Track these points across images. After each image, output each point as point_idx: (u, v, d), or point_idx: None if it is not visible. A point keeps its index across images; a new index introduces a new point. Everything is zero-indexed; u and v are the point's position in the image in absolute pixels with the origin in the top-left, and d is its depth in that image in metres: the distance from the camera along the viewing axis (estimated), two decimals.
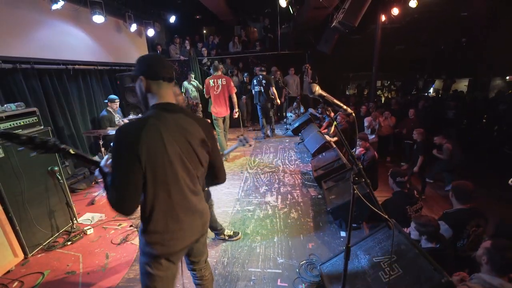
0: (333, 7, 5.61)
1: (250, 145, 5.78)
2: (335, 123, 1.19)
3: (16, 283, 2.34)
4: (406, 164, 6.34)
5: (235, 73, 7.89)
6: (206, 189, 2.15)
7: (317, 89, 1.14)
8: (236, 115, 5.03)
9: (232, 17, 9.13)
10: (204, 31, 10.64)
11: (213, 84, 4.69)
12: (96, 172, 1.27)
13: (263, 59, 8.38)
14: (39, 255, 2.67)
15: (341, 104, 1.18)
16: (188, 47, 8.43)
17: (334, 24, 5.56)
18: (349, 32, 5.51)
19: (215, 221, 2.72)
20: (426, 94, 11.48)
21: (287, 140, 6.22)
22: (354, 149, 3.61)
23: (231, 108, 4.93)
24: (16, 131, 1.52)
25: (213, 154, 1.38)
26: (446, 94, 9.32)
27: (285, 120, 7.47)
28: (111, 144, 4.17)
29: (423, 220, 2.13)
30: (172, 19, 7.67)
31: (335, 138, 5.10)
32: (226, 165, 4.85)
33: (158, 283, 1.28)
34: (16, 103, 2.67)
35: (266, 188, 3.88)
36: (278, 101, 6.09)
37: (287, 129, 7.01)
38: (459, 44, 10.67)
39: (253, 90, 6.14)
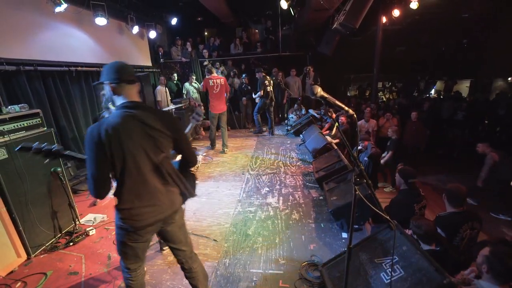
0: (334, 9, 5.63)
1: (204, 119, 6.28)
2: (337, 124, 1.20)
3: (19, 284, 2.35)
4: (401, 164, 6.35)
5: (236, 75, 7.91)
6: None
7: (319, 91, 1.15)
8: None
9: (233, 19, 9.16)
10: (206, 33, 10.69)
11: (212, 84, 5.25)
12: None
13: (264, 60, 8.41)
14: (42, 256, 2.68)
15: (343, 105, 1.19)
16: (189, 49, 8.47)
17: (335, 26, 5.58)
18: (350, 33, 5.53)
19: None
20: (427, 95, 11.46)
21: (288, 141, 6.23)
22: (355, 150, 3.62)
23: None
24: (27, 142, 1.80)
25: (179, 142, 1.62)
26: (448, 96, 9.30)
27: (286, 121, 7.48)
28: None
29: (418, 221, 2.14)
30: (174, 21, 7.72)
31: (337, 140, 5.12)
32: (227, 166, 4.87)
33: (128, 249, 1.59)
34: (20, 105, 2.69)
35: (268, 189, 3.89)
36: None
37: (288, 130, 7.02)
38: (460, 45, 10.66)
39: (261, 91, 6.39)
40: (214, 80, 5.24)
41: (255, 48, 8.67)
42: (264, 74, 6.43)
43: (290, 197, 3.62)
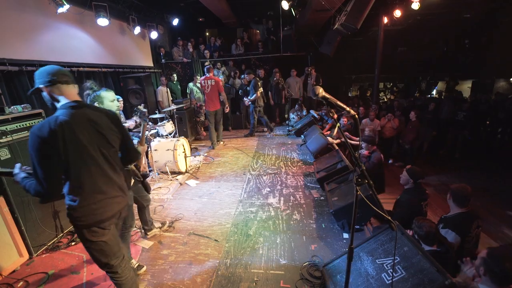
0: (335, 9, 5.62)
1: (147, 118, 6.31)
2: (338, 124, 1.20)
3: (21, 283, 2.36)
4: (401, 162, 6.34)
5: (237, 75, 7.92)
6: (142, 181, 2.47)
7: (321, 91, 1.16)
8: (227, 110, 6.10)
9: (234, 19, 9.18)
10: (207, 33, 10.71)
11: (204, 84, 5.59)
12: (18, 178, 1.49)
13: (265, 61, 8.42)
14: (43, 255, 2.69)
15: (344, 106, 1.19)
16: (191, 50, 8.49)
17: (336, 26, 5.57)
18: (352, 34, 5.52)
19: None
20: (429, 96, 11.44)
21: (289, 142, 6.23)
22: (357, 151, 3.62)
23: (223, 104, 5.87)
24: None
25: (125, 138, 1.73)
26: (449, 96, 9.29)
27: (287, 122, 7.49)
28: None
29: (420, 222, 2.13)
30: (175, 21, 7.73)
31: (338, 140, 5.11)
32: (228, 166, 4.88)
33: (102, 246, 1.58)
34: (22, 105, 2.70)
35: (269, 189, 3.89)
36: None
37: (289, 130, 7.02)
38: (462, 46, 10.64)
39: (257, 94, 6.38)
40: (206, 80, 5.54)
41: (257, 48, 8.67)
42: (254, 77, 6.49)
43: (291, 198, 3.62)
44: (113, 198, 1.62)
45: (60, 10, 4.30)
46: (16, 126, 2.56)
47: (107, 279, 2.34)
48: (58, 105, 1.50)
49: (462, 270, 1.94)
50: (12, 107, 2.61)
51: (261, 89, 6.46)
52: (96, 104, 2.10)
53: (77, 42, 5.07)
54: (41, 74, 1.48)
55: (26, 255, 2.59)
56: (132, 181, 2.24)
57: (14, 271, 2.46)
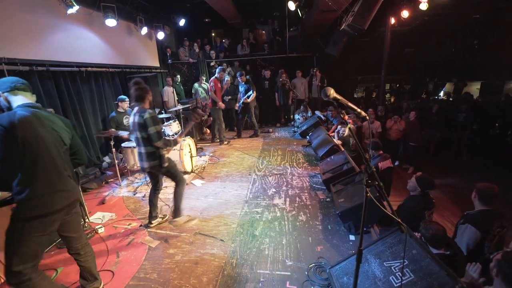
0: (342, 10, 5.60)
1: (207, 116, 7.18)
2: (349, 125, 1.19)
3: None
4: (410, 167, 6.28)
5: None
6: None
7: (332, 92, 1.15)
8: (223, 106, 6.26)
9: (240, 20, 9.20)
10: (213, 34, 10.75)
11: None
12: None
13: (270, 61, 8.42)
14: (52, 252, 2.73)
15: (355, 108, 1.18)
16: (197, 50, 8.54)
17: (343, 27, 5.55)
18: (358, 34, 5.50)
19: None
20: (436, 97, 11.31)
21: (295, 143, 6.21)
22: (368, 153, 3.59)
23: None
24: None
25: (75, 139, 1.92)
26: (457, 98, 9.16)
27: (292, 123, 7.47)
28: (122, 145, 4.26)
29: (427, 224, 2.11)
30: (182, 22, 7.78)
31: (339, 142, 5.09)
32: (234, 167, 4.89)
33: (29, 246, 1.60)
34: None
35: (274, 190, 3.89)
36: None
37: (294, 131, 7.01)
38: (471, 46, 10.49)
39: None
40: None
41: (262, 49, 8.68)
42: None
43: (297, 199, 3.61)
44: (63, 192, 1.72)
45: (70, 11, 4.37)
46: None
47: (114, 277, 2.37)
48: (15, 105, 1.67)
49: (467, 270, 1.92)
50: None
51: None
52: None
53: (86, 42, 5.14)
54: (2, 82, 1.69)
55: None
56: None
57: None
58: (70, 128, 1.89)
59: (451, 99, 9.75)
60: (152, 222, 3.10)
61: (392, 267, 1.90)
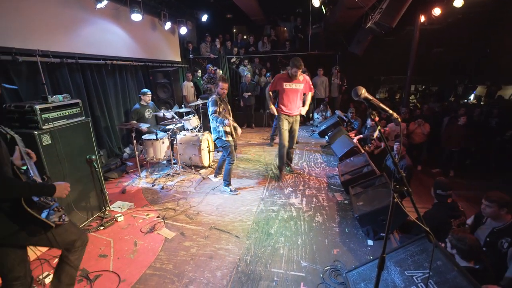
0: (368, 7, 5.40)
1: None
2: (379, 127, 1.13)
3: (56, 260, 2.51)
4: (439, 169, 5.98)
5: (263, 73, 7.89)
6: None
7: (363, 92, 1.09)
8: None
9: (262, 16, 9.13)
10: (234, 30, 10.76)
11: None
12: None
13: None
14: None
15: (388, 109, 1.12)
16: (218, 46, 8.58)
17: (369, 25, 5.36)
18: (385, 33, 5.28)
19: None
20: (465, 100, 10.66)
21: (313, 142, 6.12)
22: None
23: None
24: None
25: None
26: (490, 102, 8.59)
27: (311, 122, 7.35)
28: (142, 137, 4.37)
29: (460, 234, 1.98)
30: (204, 17, 7.84)
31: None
32: (251, 163, 4.88)
33: None
34: (62, 95, 2.87)
35: (291, 189, 3.84)
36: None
37: (313, 131, 6.89)
38: (508, 47, 9.76)
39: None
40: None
41: (283, 46, 8.57)
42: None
43: (314, 199, 3.55)
44: None
45: (99, 5, 4.51)
46: (57, 114, 2.71)
47: (131, 265, 2.44)
48: None
49: None
50: (54, 96, 2.77)
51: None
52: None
53: (112, 36, 5.30)
54: None
55: None
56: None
57: (49, 248, 2.62)
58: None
59: (482, 103, 9.16)
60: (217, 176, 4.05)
61: (414, 277, 1.81)
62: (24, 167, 1.75)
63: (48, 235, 1.63)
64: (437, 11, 5.72)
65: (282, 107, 4.00)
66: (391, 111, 1.13)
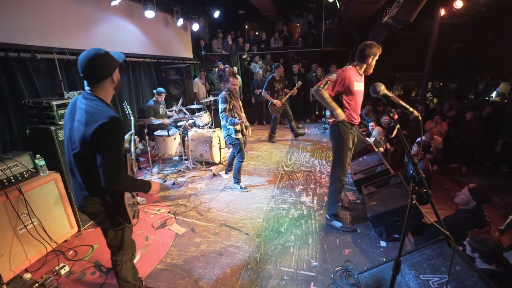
0: (385, 1, 5.23)
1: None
2: (398, 126, 1.08)
3: (71, 252, 2.60)
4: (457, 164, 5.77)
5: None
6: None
7: (382, 89, 1.04)
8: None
9: (274, 12, 9.03)
10: (246, 26, 10.70)
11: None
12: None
13: (304, 55, 8.18)
14: (89, 230, 2.93)
15: (407, 106, 1.06)
16: (230, 42, 8.55)
17: (385, 19, 5.19)
18: (402, 28, 5.10)
19: None
20: (486, 98, 10.19)
21: (325, 140, 6.02)
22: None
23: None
24: None
25: None
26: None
27: (323, 119, 7.23)
28: (154, 133, 4.41)
29: (480, 236, 1.89)
30: (217, 14, 7.82)
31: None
32: (262, 161, 4.86)
33: None
34: (78, 91, 2.93)
35: (302, 187, 3.79)
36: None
37: (325, 128, 6.78)
38: None
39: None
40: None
41: (296, 42, 8.45)
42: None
43: (325, 198, 3.49)
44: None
45: (113, 3, 4.57)
46: None
47: (142, 259, 2.48)
48: None
49: None
50: (70, 92, 2.84)
51: None
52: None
53: (126, 33, 5.37)
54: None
55: (75, 228, 2.83)
56: None
57: (65, 240, 2.72)
58: None
59: (505, 101, 8.72)
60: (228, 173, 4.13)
61: (430, 282, 1.75)
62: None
63: (122, 231, 1.70)
64: (459, 4, 5.45)
65: (352, 114, 2.62)
66: (411, 109, 1.07)
